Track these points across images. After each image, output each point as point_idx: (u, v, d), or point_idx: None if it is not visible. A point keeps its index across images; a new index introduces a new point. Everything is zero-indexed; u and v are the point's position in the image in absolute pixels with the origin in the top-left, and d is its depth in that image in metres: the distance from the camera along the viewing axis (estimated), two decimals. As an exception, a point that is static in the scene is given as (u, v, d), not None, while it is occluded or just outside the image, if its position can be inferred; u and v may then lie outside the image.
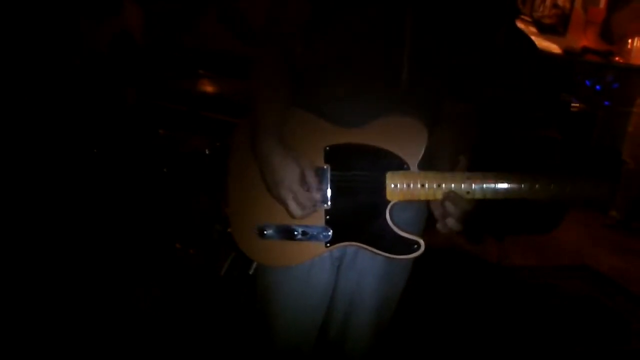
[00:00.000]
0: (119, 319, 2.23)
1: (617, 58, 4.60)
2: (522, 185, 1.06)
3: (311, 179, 1.11)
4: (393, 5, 1.11)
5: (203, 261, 2.57)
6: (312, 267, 1.25)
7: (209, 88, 2.75)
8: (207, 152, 2.47)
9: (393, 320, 1.40)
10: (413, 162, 1.12)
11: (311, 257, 1.20)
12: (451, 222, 1.06)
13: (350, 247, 1.21)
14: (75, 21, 2.67)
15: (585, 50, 4.67)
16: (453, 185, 1.08)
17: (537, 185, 1.06)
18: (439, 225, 1.09)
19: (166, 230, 2.74)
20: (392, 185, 1.12)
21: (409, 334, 2.32)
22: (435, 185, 1.09)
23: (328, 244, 1.17)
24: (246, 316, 1.41)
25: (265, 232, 1.18)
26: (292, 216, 1.11)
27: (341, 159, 1.15)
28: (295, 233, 1.17)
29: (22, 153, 2.70)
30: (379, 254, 1.16)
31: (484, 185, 1.07)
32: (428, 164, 1.14)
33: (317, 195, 1.12)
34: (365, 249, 1.17)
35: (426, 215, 1.28)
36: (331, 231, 1.16)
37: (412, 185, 1.11)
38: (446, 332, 2.42)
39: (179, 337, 2.20)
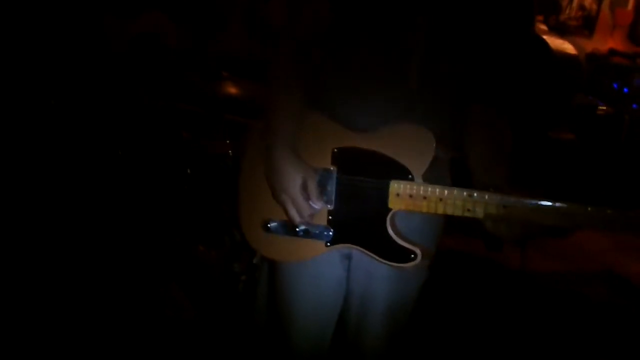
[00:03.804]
0: (136, 319, 2.26)
1: (645, 61, 4.52)
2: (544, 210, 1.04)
3: (312, 189, 1.14)
4: (406, 8, 1.12)
5: (223, 263, 2.59)
6: (321, 263, 1.26)
7: (232, 90, 2.77)
8: (230, 154, 2.50)
9: (412, 325, 1.39)
10: (418, 173, 1.11)
11: (312, 254, 1.22)
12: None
13: (350, 249, 1.22)
14: (99, 19, 2.71)
15: (612, 52, 4.60)
16: (455, 202, 1.08)
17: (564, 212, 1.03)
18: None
19: (188, 231, 2.76)
20: (395, 194, 1.12)
21: (429, 339, 2.31)
22: (437, 199, 1.10)
23: (328, 244, 1.19)
24: (261, 316, 1.45)
25: (269, 226, 1.22)
26: (291, 221, 1.16)
27: (348, 162, 1.16)
28: (298, 230, 1.19)
29: (46, 154, 2.74)
30: (376, 259, 1.17)
31: (486, 207, 1.06)
32: (466, 175, 1.15)
33: (317, 206, 1.15)
34: (363, 252, 1.18)
35: (441, 223, 1.28)
36: (332, 231, 1.18)
37: (414, 196, 1.11)
38: (467, 339, 2.40)
39: (197, 337, 2.23)
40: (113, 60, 2.75)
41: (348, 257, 1.29)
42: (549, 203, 1.03)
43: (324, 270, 1.29)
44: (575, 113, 4.04)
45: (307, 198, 1.14)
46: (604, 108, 4.25)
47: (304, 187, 1.14)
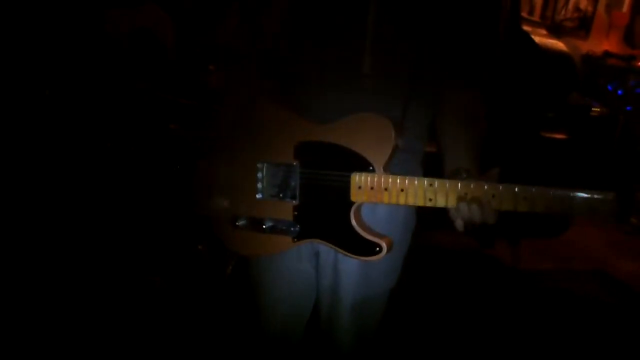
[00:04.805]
0: (123, 314, 2.27)
1: (639, 63, 4.51)
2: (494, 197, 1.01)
3: (269, 181, 1.16)
4: None
5: (210, 257, 2.57)
6: (290, 258, 1.28)
7: (220, 83, 2.76)
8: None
9: (403, 321, 1.38)
10: (379, 164, 1.09)
11: (280, 250, 1.21)
12: (459, 223, 1.05)
13: (317, 243, 1.22)
14: (97, 10, 2.71)
15: (607, 54, 4.60)
16: (416, 192, 1.06)
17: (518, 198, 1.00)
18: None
19: (176, 227, 2.74)
20: (357, 187, 1.11)
21: (420, 335, 2.30)
22: (398, 190, 1.08)
23: (295, 239, 1.18)
24: (245, 310, 1.46)
25: (237, 223, 1.22)
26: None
27: (310, 156, 1.15)
28: (264, 227, 1.19)
29: (36, 146, 2.73)
30: (342, 253, 1.16)
31: (447, 197, 1.04)
32: (440, 158, 1.14)
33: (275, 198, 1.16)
34: (330, 247, 1.17)
35: (410, 209, 1.27)
36: (298, 227, 1.17)
37: (375, 188, 1.09)
38: (458, 335, 2.39)
39: (183, 330, 2.23)
40: (109, 52, 2.74)
41: (316, 254, 1.29)
42: (511, 187, 1.00)
43: (292, 265, 1.30)
44: (569, 113, 4.03)
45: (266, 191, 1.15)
46: (598, 109, 4.24)
47: (258, 180, 1.15)
